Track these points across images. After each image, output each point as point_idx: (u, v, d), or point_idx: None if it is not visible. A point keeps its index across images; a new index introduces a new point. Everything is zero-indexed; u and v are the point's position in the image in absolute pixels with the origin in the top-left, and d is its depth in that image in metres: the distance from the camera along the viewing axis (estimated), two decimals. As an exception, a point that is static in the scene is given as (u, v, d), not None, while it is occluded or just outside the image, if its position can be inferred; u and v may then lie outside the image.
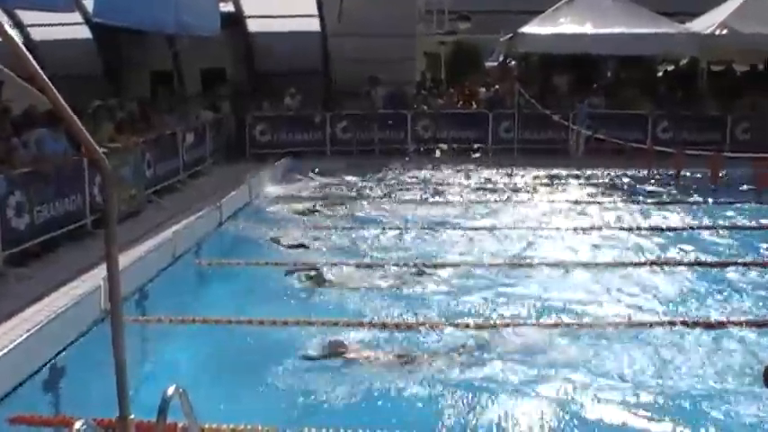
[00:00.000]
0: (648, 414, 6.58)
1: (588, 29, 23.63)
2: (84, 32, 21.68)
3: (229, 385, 7.07)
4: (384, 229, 13.45)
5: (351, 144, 22.57)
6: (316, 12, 23.40)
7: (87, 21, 19.72)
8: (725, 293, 9.88)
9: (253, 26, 24.21)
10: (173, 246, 11.35)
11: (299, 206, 15.28)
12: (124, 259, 9.98)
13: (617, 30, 23.41)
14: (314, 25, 23.73)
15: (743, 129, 22.75)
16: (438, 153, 22.86)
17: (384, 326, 8.55)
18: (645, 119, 22.49)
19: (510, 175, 19.39)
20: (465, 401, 6.77)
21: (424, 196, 16.93)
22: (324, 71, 24.18)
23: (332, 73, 24.18)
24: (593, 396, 6.88)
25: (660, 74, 26.65)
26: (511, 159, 20.46)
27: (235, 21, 23.20)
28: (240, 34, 23.92)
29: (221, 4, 20.63)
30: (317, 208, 15.17)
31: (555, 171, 19.91)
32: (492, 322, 8.71)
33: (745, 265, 11.24)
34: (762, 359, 7.51)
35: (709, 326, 8.58)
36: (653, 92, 24.04)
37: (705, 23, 24.49)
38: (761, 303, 9.46)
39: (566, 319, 8.81)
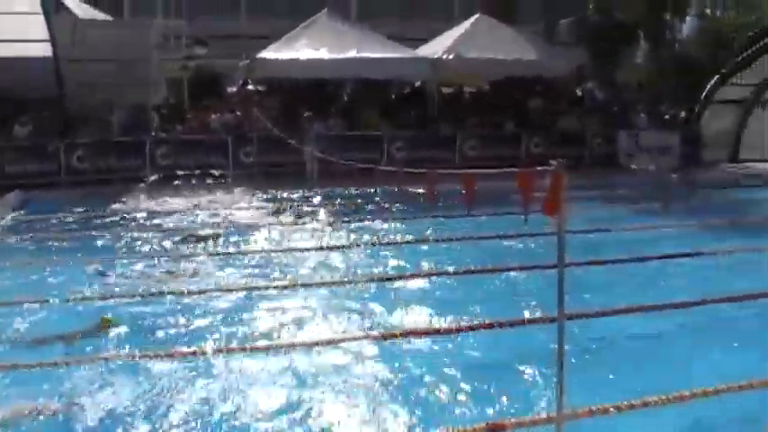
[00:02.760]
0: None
1: (325, 54, 24.24)
2: None
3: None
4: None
5: (87, 174, 21.68)
6: (47, 36, 22.49)
7: None
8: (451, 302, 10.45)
9: (-23, 52, 22.89)
10: None
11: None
12: None
13: (353, 54, 24.17)
14: (46, 50, 22.79)
15: (470, 146, 24.19)
16: (178, 181, 22.33)
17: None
18: (380, 140, 23.33)
19: (246, 200, 19.36)
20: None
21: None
22: (58, 98, 23.18)
23: (66, 99, 23.23)
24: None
25: (395, 96, 27.62)
26: (252, 184, 20.52)
27: (-45, 46, 21.89)
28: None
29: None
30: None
31: (287, 194, 20.11)
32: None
33: (456, 274, 11.96)
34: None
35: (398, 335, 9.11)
36: (388, 114, 24.94)
37: (434, 49, 25.82)
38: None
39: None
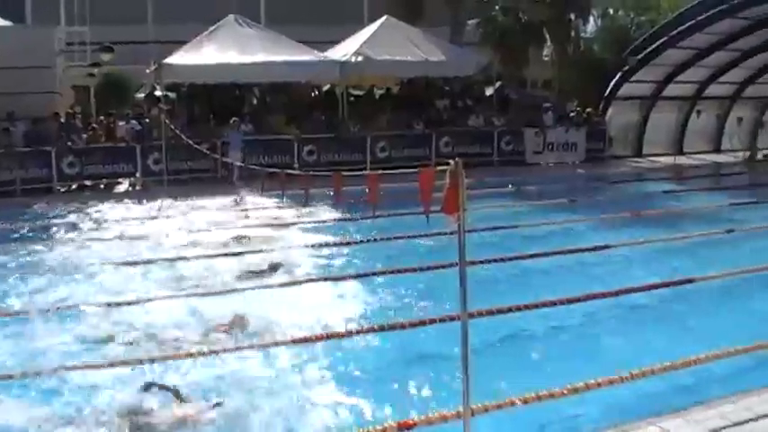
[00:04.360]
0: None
1: (232, 58, 24.01)
2: None
3: None
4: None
5: (-9, 186, 20.99)
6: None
7: None
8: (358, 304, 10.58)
9: None
10: None
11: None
12: None
13: (260, 58, 24.02)
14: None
15: (380, 147, 24.32)
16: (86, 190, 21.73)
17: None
18: (291, 143, 23.26)
19: (154, 208, 18.91)
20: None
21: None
22: (-47, 109, 22.43)
23: (-38, 110, 22.48)
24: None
25: (305, 99, 27.49)
26: (162, 191, 20.18)
27: None
28: None
29: None
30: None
31: (197, 201, 19.65)
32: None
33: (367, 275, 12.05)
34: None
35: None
36: (299, 117, 24.86)
37: (342, 51, 25.85)
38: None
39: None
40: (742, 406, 7.02)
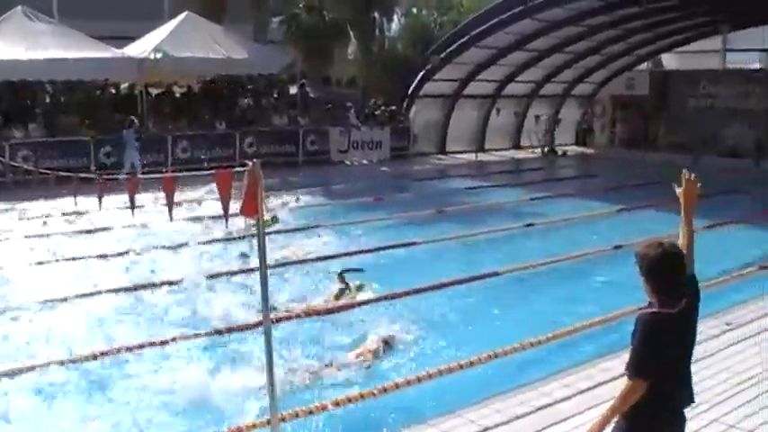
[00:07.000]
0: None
1: (21, 54, 22.60)
2: None
3: None
4: None
5: None
6: None
7: None
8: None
9: None
10: None
11: None
12: None
13: (53, 54, 22.76)
14: None
15: (182, 148, 23.62)
16: None
17: None
18: (86, 145, 22.13)
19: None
20: None
21: None
22: None
23: None
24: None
25: (100, 98, 26.27)
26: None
27: None
28: None
29: None
30: None
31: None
32: None
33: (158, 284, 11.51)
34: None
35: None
36: (93, 117, 23.68)
37: (140, 48, 24.94)
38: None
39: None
40: (516, 402, 7.19)
